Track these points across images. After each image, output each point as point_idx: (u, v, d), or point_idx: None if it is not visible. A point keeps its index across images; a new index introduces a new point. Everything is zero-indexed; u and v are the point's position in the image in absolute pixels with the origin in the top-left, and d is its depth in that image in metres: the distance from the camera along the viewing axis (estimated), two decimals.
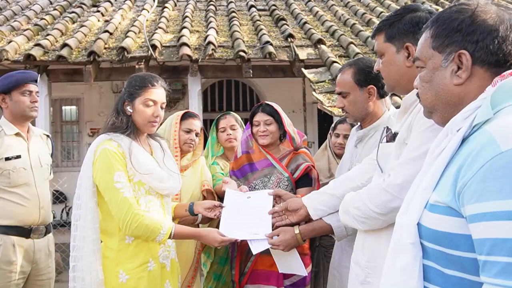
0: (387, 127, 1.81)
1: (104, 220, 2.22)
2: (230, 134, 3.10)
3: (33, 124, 3.06)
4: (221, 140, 3.16)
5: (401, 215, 1.14)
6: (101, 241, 2.22)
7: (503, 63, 1.07)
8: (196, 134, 2.85)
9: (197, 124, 2.86)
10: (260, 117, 2.75)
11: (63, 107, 8.51)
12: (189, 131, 2.81)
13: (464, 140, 1.01)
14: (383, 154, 1.74)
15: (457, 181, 0.95)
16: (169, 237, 2.18)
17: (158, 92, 2.26)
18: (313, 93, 5.11)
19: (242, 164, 2.80)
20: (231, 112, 3.30)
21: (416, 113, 1.59)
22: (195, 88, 6.23)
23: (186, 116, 2.86)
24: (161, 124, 2.44)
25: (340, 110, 2.43)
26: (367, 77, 2.24)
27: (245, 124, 2.96)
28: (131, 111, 2.23)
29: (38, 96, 2.89)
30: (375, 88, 2.25)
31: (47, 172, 2.93)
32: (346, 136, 3.39)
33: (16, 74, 2.79)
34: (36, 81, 2.88)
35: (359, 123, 2.42)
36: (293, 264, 2.33)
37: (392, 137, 1.73)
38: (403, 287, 1.05)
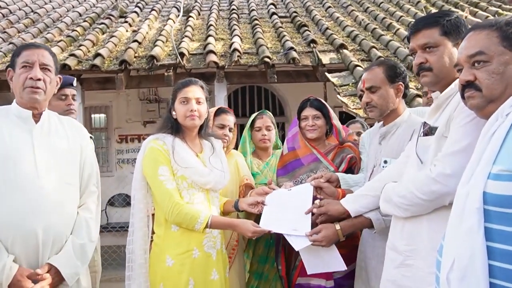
0: (424, 122, 1.95)
1: (156, 210, 2.46)
2: (265, 135, 3.11)
3: None
4: (255, 139, 3.17)
5: (463, 186, 1.33)
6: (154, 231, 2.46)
7: None
8: (230, 129, 2.94)
9: (230, 119, 2.95)
10: (309, 111, 2.84)
11: (93, 115, 8.81)
12: (222, 127, 2.90)
13: None
14: (422, 147, 1.88)
15: None
16: (206, 226, 2.33)
17: (190, 90, 2.46)
18: (338, 96, 5.27)
19: (288, 161, 2.88)
20: (268, 112, 3.29)
21: (454, 108, 1.75)
22: (221, 94, 6.45)
23: (219, 112, 2.96)
24: (207, 121, 2.58)
25: (364, 107, 2.50)
26: (397, 74, 2.40)
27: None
28: (175, 113, 2.48)
29: (75, 100, 3.00)
30: (403, 87, 2.42)
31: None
32: (358, 134, 3.59)
33: None
34: (72, 84, 2.99)
35: (380, 122, 2.54)
36: (331, 261, 2.36)
37: (429, 131, 1.88)
38: (470, 246, 1.22)
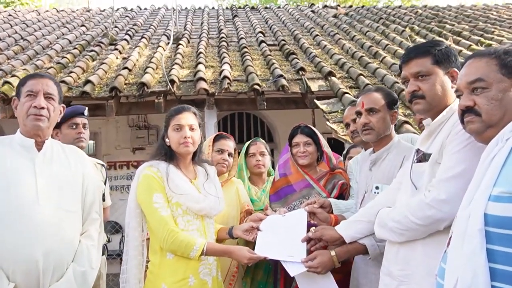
0: (418, 149, 2.00)
1: (151, 238, 2.44)
2: (259, 160, 3.18)
3: None
4: (249, 165, 3.23)
5: (464, 209, 1.38)
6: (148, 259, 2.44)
7: None
8: (229, 154, 2.96)
9: (229, 145, 2.97)
10: (300, 138, 2.90)
11: None
12: (221, 152, 2.92)
13: None
14: (416, 173, 1.93)
15: None
16: (202, 253, 2.31)
17: (184, 117, 2.48)
18: (327, 122, 5.33)
19: (280, 186, 2.91)
20: (260, 139, 3.38)
21: (446, 135, 1.81)
22: (211, 120, 6.48)
23: (218, 137, 3.00)
24: (200, 146, 2.59)
25: (361, 129, 2.50)
26: (394, 101, 2.47)
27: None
28: (168, 140, 2.49)
29: (85, 128, 3.11)
30: (397, 114, 2.47)
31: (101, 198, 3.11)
32: None
33: (66, 109, 3.04)
34: (83, 113, 3.12)
35: (368, 149, 2.59)
36: (326, 287, 2.36)
37: (422, 157, 1.92)
38: (472, 267, 1.25)
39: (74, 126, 3.05)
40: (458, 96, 1.66)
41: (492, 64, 1.53)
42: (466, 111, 1.57)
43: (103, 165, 3.31)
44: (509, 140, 1.32)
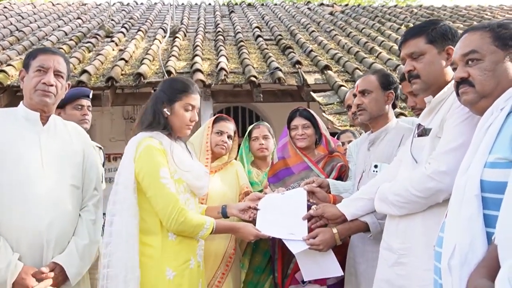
0: (419, 124, 2.02)
1: (144, 218, 2.18)
2: (263, 144, 3.12)
3: None
4: (253, 149, 3.18)
5: (461, 176, 1.41)
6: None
7: None
8: (229, 137, 2.88)
9: (229, 127, 2.89)
10: (298, 121, 2.89)
11: None
12: (220, 133, 2.85)
13: (508, 115, 1.33)
14: (416, 147, 1.95)
15: None
16: (211, 232, 2.24)
17: (197, 98, 2.34)
18: (323, 114, 5.35)
19: (278, 169, 2.90)
20: (264, 122, 3.32)
21: (447, 110, 1.83)
22: (207, 112, 6.48)
23: (218, 119, 2.93)
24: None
25: (355, 111, 2.55)
26: (389, 82, 2.49)
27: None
28: (169, 113, 2.27)
29: (90, 110, 3.11)
30: (393, 95, 2.50)
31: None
32: (349, 142, 3.69)
33: (71, 90, 3.04)
34: (88, 96, 3.12)
35: (368, 131, 2.62)
36: (328, 266, 2.35)
37: (423, 132, 1.95)
38: (470, 232, 1.27)
39: (79, 107, 3.05)
40: (454, 69, 1.69)
41: (486, 37, 1.55)
42: (460, 83, 1.60)
43: (101, 148, 3.32)
44: (504, 109, 1.35)
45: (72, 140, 2.24)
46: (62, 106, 3.03)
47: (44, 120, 2.17)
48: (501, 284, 0.94)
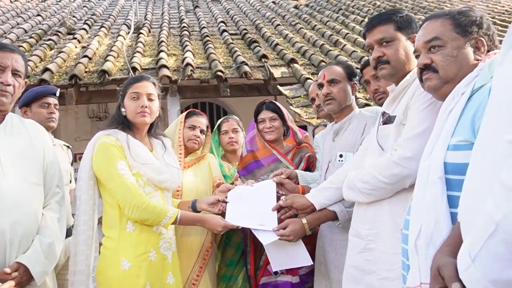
0: (384, 112, 2.07)
1: (107, 212, 2.30)
2: (232, 138, 3.15)
3: None
4: (223, 143, 3.20)
5: (426, 160, 1.45)
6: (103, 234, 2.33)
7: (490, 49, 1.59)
8: (202, 131, 2.88)
9: (201, 121, 2.89)
10: (265, 114, 2.91)
11: None
12: (193, 128, 2.85)
13: (468, 99, 1.37)
14: (382, 135, 2.00)
15: (474, 123, 1.27)
16: (174, 222, 2.26)
17: (142, 85, 2.36)
18: (291, 107, 5.40)
19: (248, 162, 2.92)
20: (234, 116, 3.36)
21: (410, 97, 1.88)
22: (174, 108, 6.43)
23: (190, 114, 2.92)
24: (158, 119, 2.50)
25: (323, 101, 2.55)
26: (353, 74, 2.55)
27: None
28: (124, 110, 2.37)
29: (57, 109, 3.06)
30: (357, 86, 2.55)
31: (67, 179, 3.02)
32: None
33: (37, 88, 2.99)
34: (55, 94, 3.06)
35: (331, 122, 2.66)
36: (298, 256, 2.39)
37: (388, 120, 1.99)
38: (435, 213, 1.31)
39: (46, 105, 2.99)
40: (416, 57, 1.73)
41: (447, 24, 1.61)
42: (424, 69, 1.64)
43: (69, 146, 3.26)
44: (464, 94, 1.40)
45: (31, 137, 2.18)
46: (28, 104, 2.97)
47: (0, 119, 2.11)
48: (462, 259, 0.98)
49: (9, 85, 2.04)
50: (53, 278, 2.21)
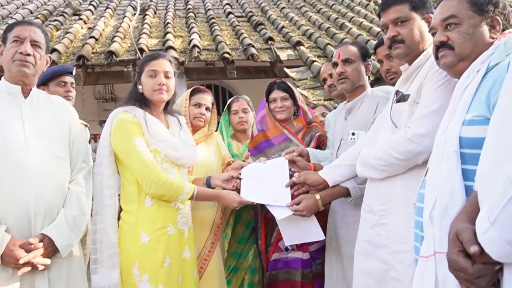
0: (397, 90, 2.11)
1: (126, 187, 2.34)
2: (242, 117, 3.16)
3: None
4: (232, 123, 3.22)
5: (441, 134, 1.50)
6: (121, 209, 2.38)
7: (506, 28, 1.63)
8: (207, 109, 2.89)
9: (207, 99, 2.90)
10: (277, 93, 2.94)
11: None
12: (198, 105, 2.85)
13: (483, 76, 1.42)
14: (396, 113, 2.05)
15: (490, 99, 1.32)
16: (191, 198, 2.31)
17: (159, 63, 2.38)
18: (298, 89, 5.43)
19: (259, 141, 2.96)
20: (244, 95, 3.37)
21: (424, 76, 1.93)
22: (181, 90, 6.41)
23: (195, 91, 2.93)
24: (174, 96, 2.54)
25: (336, 80, 2.59)
26: (368, 54, 2.59)
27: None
28: (141, 87, 2.39)
29: (73, 87, 3.10)
30: (370, 66, 2.59)
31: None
32: (323, 115, 3.80)
33: (53, 67, 3.02)
34: (71, 73, 3.10)
35: (343, 101, 2.70)
36: (310, 231, 2.44)
37: (402, 98, 2.04)
38: (449, 185, 1.36)
39: (62, 84, 3.03)
40: (433, 34, 1.77)
41: (464, 3, 1.65)
42: (440, 46, 1.69)
43: (86, 125, 3.30)
44: (480, 71, 1.45)
45: (57, 113, 2.23)
46: (45, 83, 3.01)
47: (26, 93, 2.15)
48: (481, 223, 1.03)
49: (29, 54, 2.07)
50: (80, 251, 2.26)
